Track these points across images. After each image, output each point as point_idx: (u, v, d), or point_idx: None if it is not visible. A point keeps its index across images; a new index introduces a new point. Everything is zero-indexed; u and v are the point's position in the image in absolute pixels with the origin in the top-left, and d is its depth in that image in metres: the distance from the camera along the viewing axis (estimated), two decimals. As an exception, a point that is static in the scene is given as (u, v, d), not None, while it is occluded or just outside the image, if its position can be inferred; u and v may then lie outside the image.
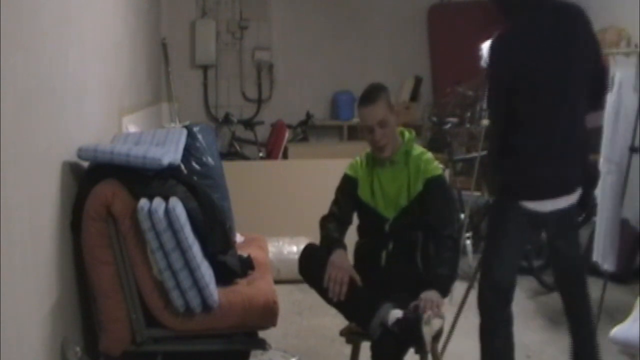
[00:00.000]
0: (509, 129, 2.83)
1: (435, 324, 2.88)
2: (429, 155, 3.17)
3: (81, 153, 2.95)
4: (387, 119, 3.07)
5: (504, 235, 2.91)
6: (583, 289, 2.99)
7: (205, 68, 7.48)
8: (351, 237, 3.20)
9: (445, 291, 2.95)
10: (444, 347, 3.68)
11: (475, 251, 5.61)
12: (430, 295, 2.86)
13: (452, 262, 3.01)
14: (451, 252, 3.02)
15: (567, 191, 2.88)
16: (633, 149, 4.00)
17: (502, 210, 2.92)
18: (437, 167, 3.14)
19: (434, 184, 3.08)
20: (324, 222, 3.15)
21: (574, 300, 3.00)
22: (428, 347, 2.79)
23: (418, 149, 3.19)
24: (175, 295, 2.87)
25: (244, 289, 3.14)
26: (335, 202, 3.20)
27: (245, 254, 3.45)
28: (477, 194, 5.64)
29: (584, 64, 2.84)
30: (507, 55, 2.82)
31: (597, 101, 3.05)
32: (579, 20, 2.85)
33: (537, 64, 2.78)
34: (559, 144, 2.82)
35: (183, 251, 2.84)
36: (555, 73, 2.79)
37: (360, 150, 3.34)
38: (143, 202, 2.80)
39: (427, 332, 2.74)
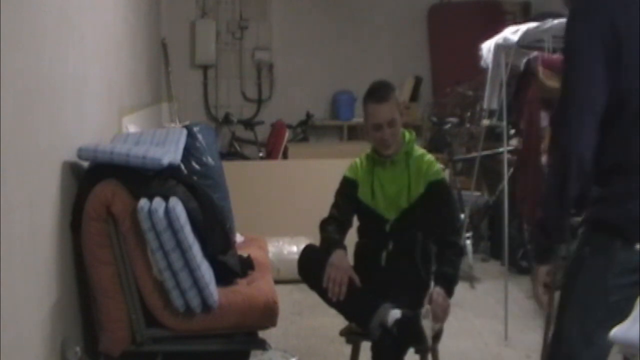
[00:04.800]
0: (607, 134, 2.00)
1: (435, 324, 2.88)
2: (431, 157, 3.17)
3: (81, 153, 2.95)
4: (396, 118, 3.06)
5: (606, 308, 2.06)
6: None
7: (205, 68, 7.48)
8: (351, 238, 3.20)
9: (451, 290, 2.95)
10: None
11: (475, 251, 5.63)
12: (439, 295, 2.85)
13: (457, 265, 3.02)
14: (455, 256, 3.04)
15: None
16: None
17: (603, 267, 2.04)
18: (439, 170, 3.14)
19: (437, 188, 3.08)
20: (324, 225, 3.14)
21: None
22: (429, 341, 2.79)
23: (419, 150, 3.19)
24: (175, 295, 2.87)
25: (244, 289, 3.14)
26: (335, 205, 3.19)
27: (245, 254, 3.45)
28: (477, 194, 5.65)
29: None
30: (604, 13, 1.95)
31: None
32: None
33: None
34: None
35: (183, 251, 2.84)
36: None
37: (360, 150, 3.33)
38: (143, 202, 2.80)
39: (427, 325, 2.75)
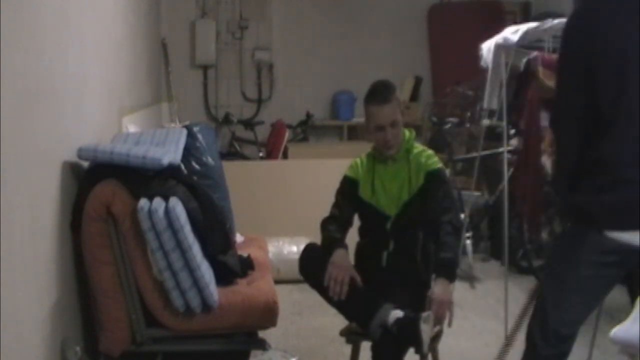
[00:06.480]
0: (590, 134, 2.28)
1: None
2: (430, 151, 3.19)
3: (81, 153, 2.95)
4: (399, 119, 3.07)
5: (577, 278, 2.34)
6: None
7: (205, 68, 7.48)
8: (352, 238, 3.20)
9: (452, 275, 2.91)
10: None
11: (475, 251, 5.63)
12: (440, 290, 2.81)
13: (453, 246, 2.96)
14: (450, 236, 2.96)
15: None
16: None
17: (580, 243, 2.32)
18: (437, 161, 3.15)
19: (435, 176, 3.08)
20: (325, 224, 3.14)
21: None
22: (426, 346, 2.77)
23: (419, 147, 3.21)
24: (175, 295, 2.87)
25: (244, 289, 3.14)
26: (336, 205, 3.19)
27: (245, 254, 3.45)
28: (477, 194, 5.65)
29: None
30: (587, 29, 2.26)
31: None
32: None
33: (627, 38, 2.22)
34: None
35: (183, 251, 2.84)
36: None
37: (360, 150, 3.33)
38: (143, 202, 2.80)
39: (426, 330, 2.74)
